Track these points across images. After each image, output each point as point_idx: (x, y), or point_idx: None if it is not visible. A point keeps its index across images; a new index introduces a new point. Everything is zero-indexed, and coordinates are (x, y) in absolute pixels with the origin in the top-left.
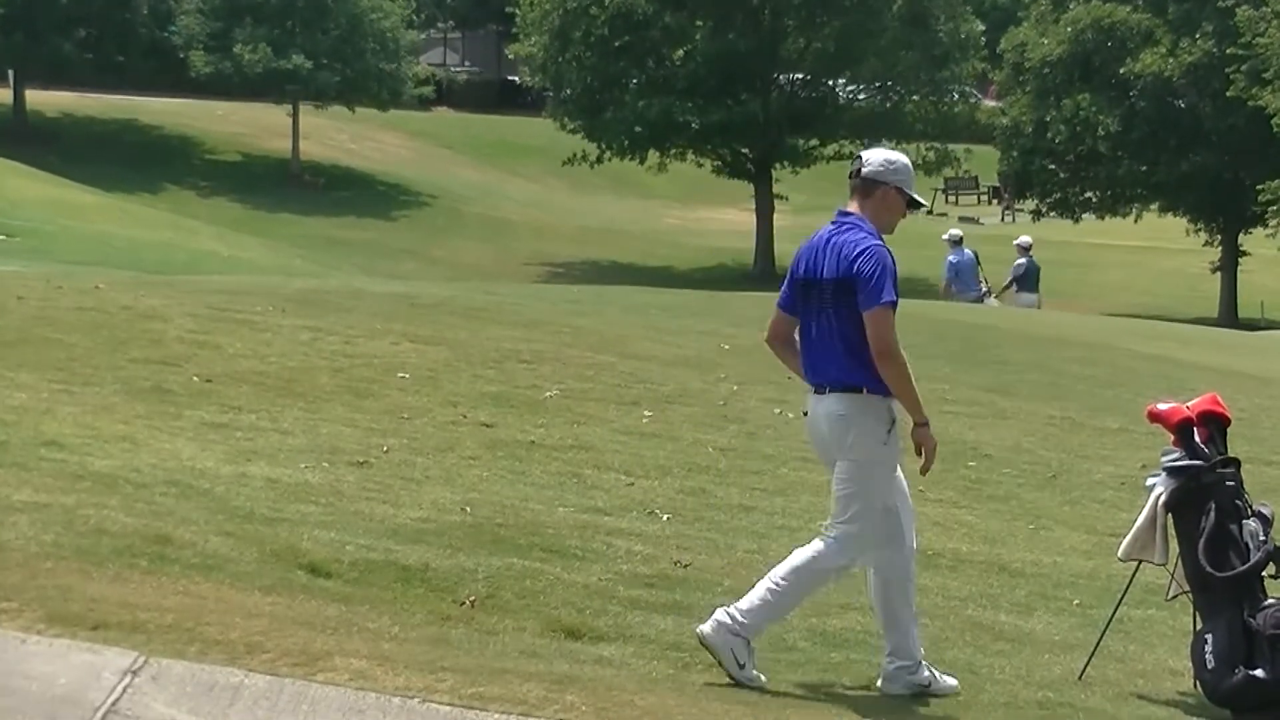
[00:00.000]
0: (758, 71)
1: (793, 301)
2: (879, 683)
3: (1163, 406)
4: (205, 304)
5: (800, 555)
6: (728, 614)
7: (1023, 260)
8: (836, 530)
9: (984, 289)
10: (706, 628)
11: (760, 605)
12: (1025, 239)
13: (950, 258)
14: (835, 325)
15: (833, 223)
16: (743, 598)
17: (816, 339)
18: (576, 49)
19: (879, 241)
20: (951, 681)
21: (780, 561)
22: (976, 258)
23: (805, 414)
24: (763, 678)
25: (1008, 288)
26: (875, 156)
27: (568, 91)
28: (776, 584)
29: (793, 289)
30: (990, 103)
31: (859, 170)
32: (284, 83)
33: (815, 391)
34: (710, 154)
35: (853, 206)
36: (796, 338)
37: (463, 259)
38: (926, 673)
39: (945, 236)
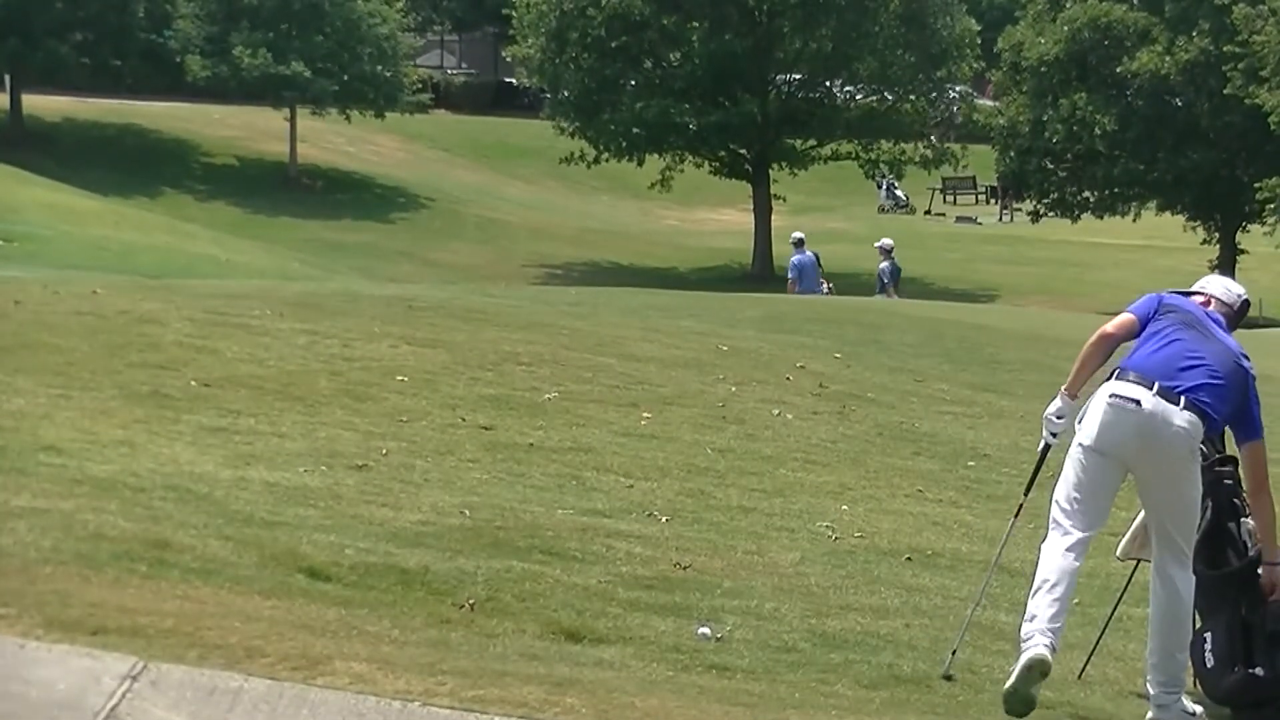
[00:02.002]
0: (755, 72)
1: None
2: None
3: None
4: (203, 308)
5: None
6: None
7: (885, 263)
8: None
9: (825, 288)
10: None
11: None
12: (887, 241)
13: (794, 258)
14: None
15: (1216, 321)
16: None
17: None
18: (573, 51)
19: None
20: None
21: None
22: (817, 259)
23: (1137, 402)
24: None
25: (884, 290)
26: (1235, 290)
27: (565, 93)
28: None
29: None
30: (987, 102)
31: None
32: (281, 88)
33: (1165, 397)
34: (708, 155)
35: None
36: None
37: (460, 261)
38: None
39: (791, 239)
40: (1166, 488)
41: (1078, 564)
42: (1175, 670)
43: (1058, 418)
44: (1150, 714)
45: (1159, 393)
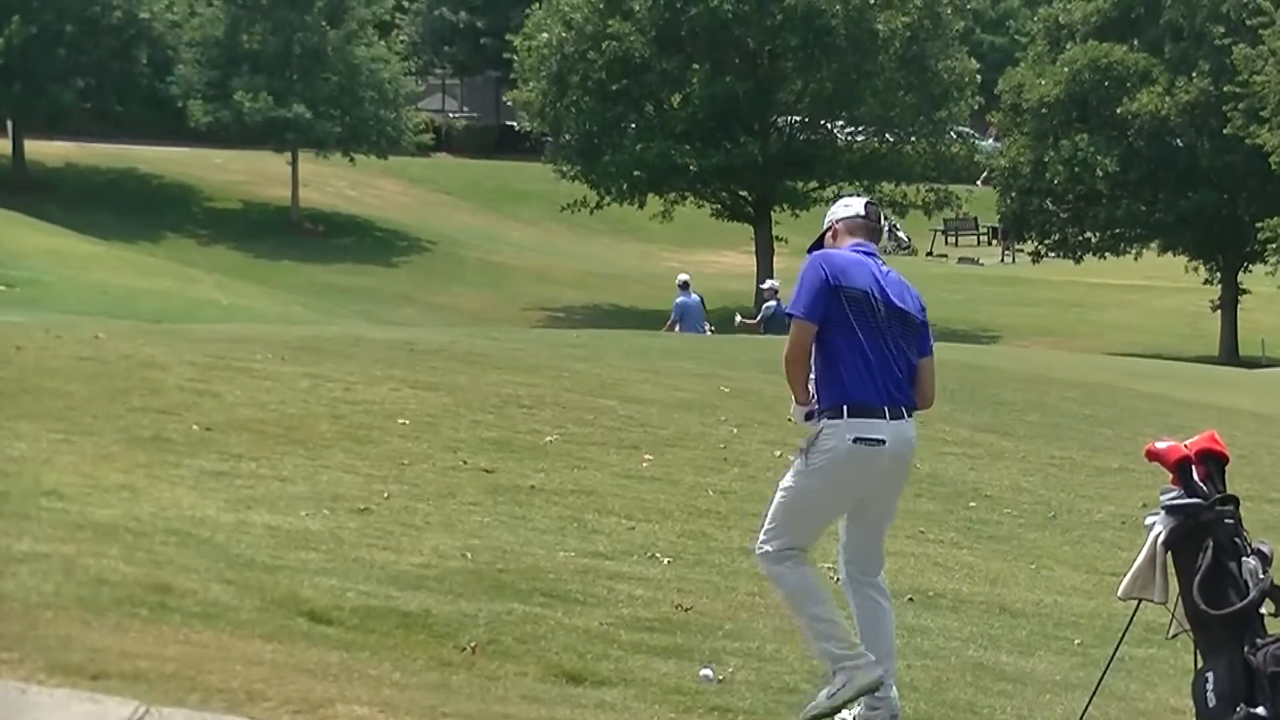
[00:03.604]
0: (755, 114)
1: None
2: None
3: (1161, 445)
4: (205, 352)
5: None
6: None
7: (682, 298)
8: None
9: (708, 330)
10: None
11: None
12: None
13: (678, 300)
14: (909, 358)
15: (868, 253)
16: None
17: (892, 364)
18: (574, 94)
19: None
20: None
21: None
22: (702, 301)
23: (881, 441)
24: None
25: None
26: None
27: (566, 136)
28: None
29: (858, 310)
30: (988, 143)
31: (878, 216)
32: (283, 131)
33: (894, 417)
34: (709, 197)
35: (874, 246)
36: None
37: (462, 304)
38: None
39: (677, 281)
40: (892, 497)
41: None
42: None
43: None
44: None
45: (892, 416)
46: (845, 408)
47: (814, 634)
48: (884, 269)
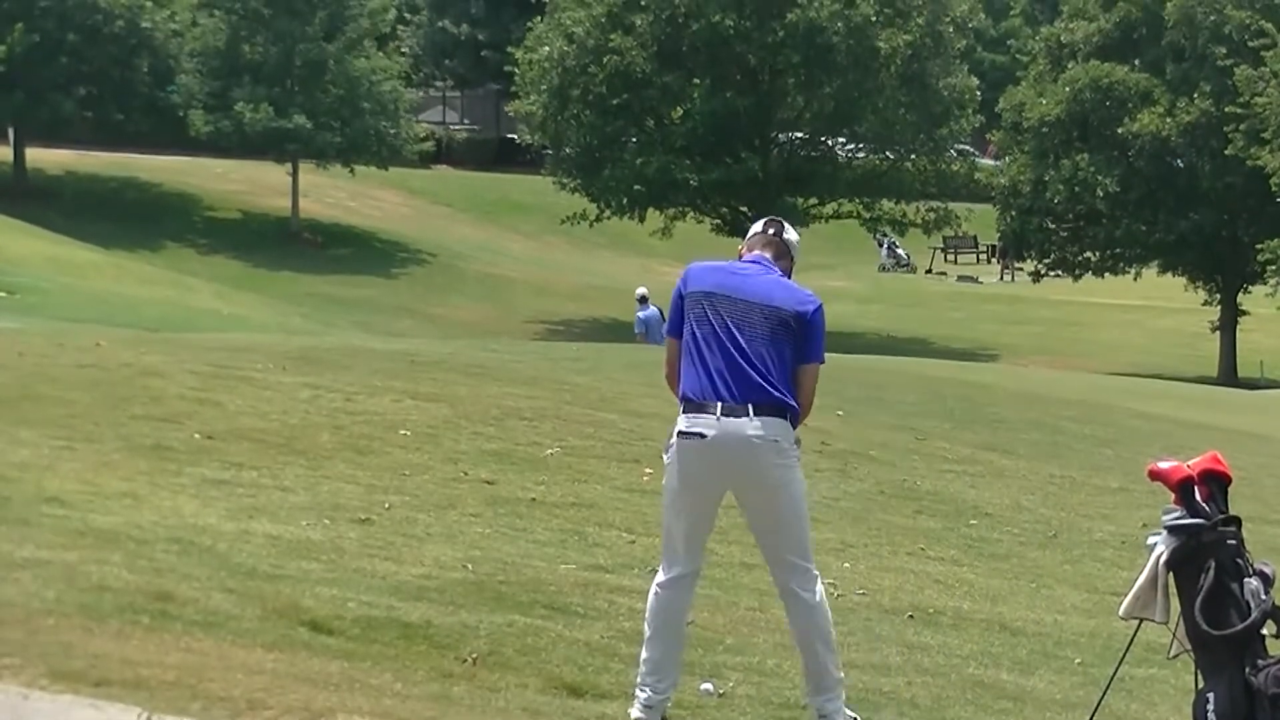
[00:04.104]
0: (756, 130)
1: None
2: None
3: (1164, 465)
4: (206, 361)
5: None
6: (821, 706)
7: (642, 311)
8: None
9: None
10: None
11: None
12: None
13: (640, 314)
14: (773, 358)
15: (756, 261)
16: (816, 692)
17: (741, 362)
18: (575, 107)
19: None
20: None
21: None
22: (661, 314)
23: (701, 435)
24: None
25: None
26: (793, 233)
27: (567, 150)
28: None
29: (700, 311)
30: (988, 161)
31: (780, 234)
32: (284, 142)
33: (728, 414)
34: (709, 212)
35: (768, 255)
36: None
37: (462, 316)
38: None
39: (636, 294)
40: (764, 502)
41: (683, 603)
42: (830, 681)
43: None
44: None
45: (724, 413)
46: (681, 405)
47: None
48: (756, 272)
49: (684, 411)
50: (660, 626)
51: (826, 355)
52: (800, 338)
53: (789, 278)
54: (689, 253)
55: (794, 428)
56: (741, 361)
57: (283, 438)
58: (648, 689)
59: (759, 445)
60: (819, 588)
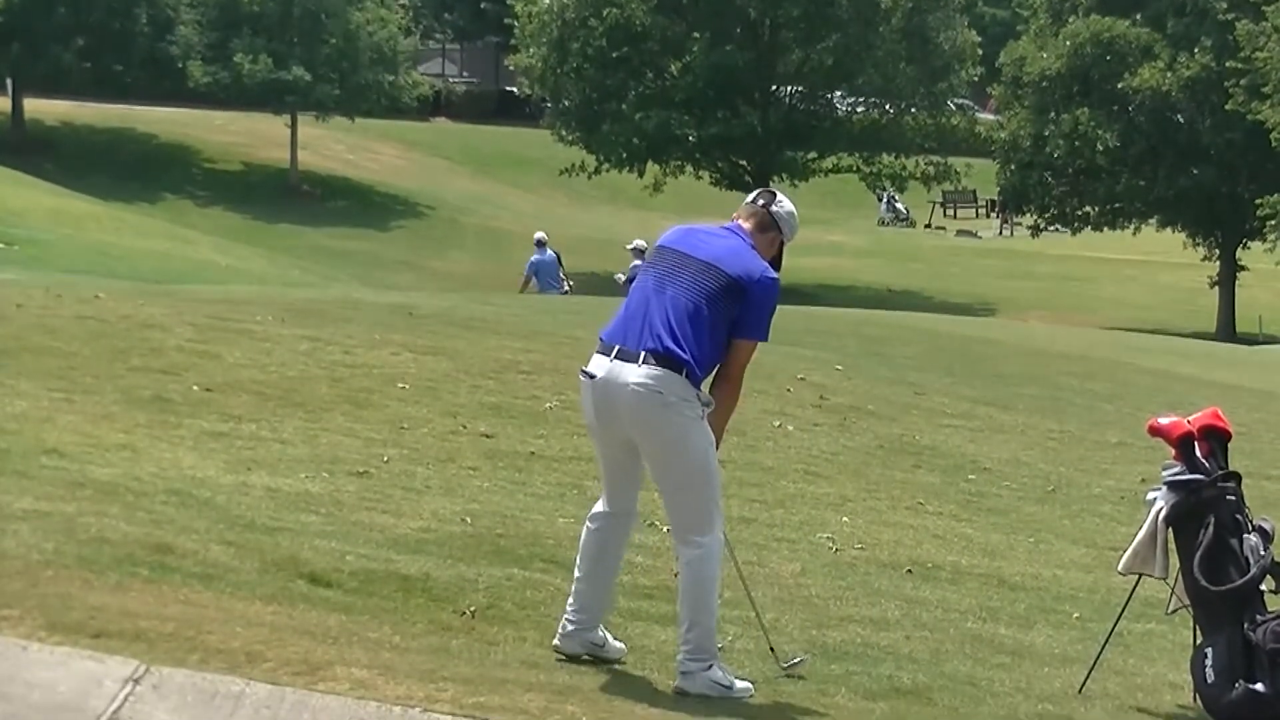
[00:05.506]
0: (756, 84)
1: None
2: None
3: (1164, 420)
4: (205, 313)
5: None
6: (682, 662)
7: (536, 255)
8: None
9: (565, 287)
10: (684, 685)
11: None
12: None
13: (533, 257)
14: (692, 312)
15: (731, 228)
16: (682, 643)
17: (654, 311)
18: (575, 61)
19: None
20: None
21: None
22: (558, 258)
23: (591, 376)
24: (750, 687)
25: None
26: (787, 205)
27: (566, 103)
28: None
29: (648, 264)
30: (988, 116)
31: (769, 205)
32: (282, 94)
33: (621, 358)
34: (708, 166)
35: (747, 226)
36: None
37: (460, 270)
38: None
39: (534, 238)
40: (654, 454)
41: (609, 541)
42: (700, 638)
43: None
44: (675, 682)
45: (617, 356)
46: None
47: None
48: (720, 235)
49: (595, 351)
50: (584, 560)
51: (826, 310)
52: (741, 306)
53: (777, 251)
54: (687, 206)
55: (694, 384)
56: (655, 311)
57: (281, 390)
58: (568, 620)
59: (639, 393)
60: (704, 550)
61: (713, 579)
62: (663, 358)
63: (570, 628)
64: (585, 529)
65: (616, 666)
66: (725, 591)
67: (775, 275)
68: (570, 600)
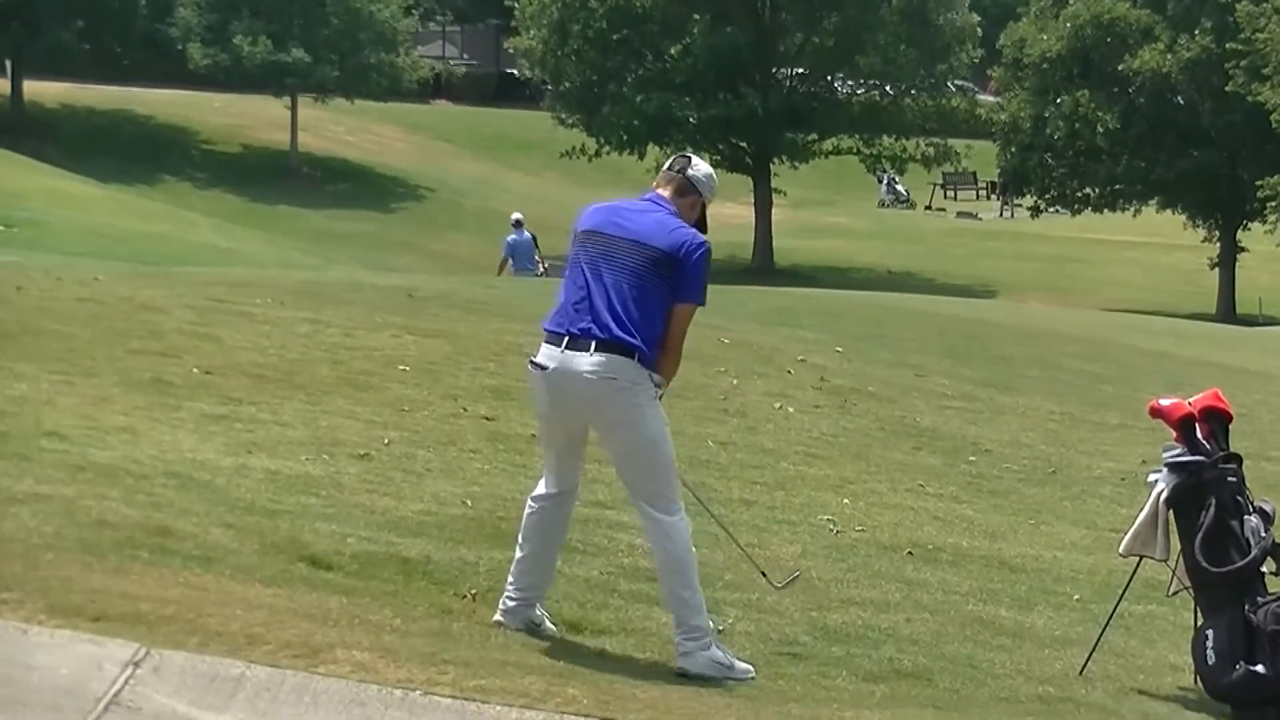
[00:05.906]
0: (756, 66)
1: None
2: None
3: (1165, 402)
4: (204, 296)
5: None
6: (679, 644)
7: (513, 236)
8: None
9: (541, 269)
10: (684, 666)
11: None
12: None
13: (509, 238)
14: (634, 293)
15: (650, 199)
16: (674, 625)
17: (595, 296)
18: (575, 43)
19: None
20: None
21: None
22: (534, 239)
23: (542, 367)
24: (751, 669)
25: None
26: (703, 168)
27: (566, 85)
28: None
29: (579, 248)
30: (988, 98)
31: (684, 170)
32: (282, 76)
33: (570, 347)
34: (708, 148)
35: (665, 194)
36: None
37: (460, 252)
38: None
39: (511, 219)
40: (611, 438)
41: (553, 519)
42: (688, 617)
43: None
44: (677, 664)
45: (568, 346)
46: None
47: None
48: (643, 210)
49: (543, 342)
50: (528, 539)
51: (826, 291)
52: (677, 277)
53: (700, 213)
54: None
55: (645, 367)
56: (597, 298)
57: (281, 373)
58: (508, 597)
59: (594, 381)
60: (672, 531)
61: (686, 556)
62: (613, 345)
63: (511, 604)
64: (529, 509)
65: (617, 649)
66: (726, 574)
67: (704, 240)
68: (511, 579)
